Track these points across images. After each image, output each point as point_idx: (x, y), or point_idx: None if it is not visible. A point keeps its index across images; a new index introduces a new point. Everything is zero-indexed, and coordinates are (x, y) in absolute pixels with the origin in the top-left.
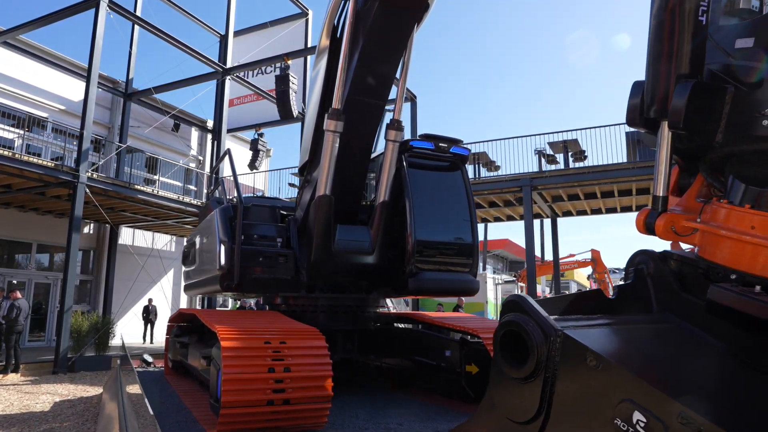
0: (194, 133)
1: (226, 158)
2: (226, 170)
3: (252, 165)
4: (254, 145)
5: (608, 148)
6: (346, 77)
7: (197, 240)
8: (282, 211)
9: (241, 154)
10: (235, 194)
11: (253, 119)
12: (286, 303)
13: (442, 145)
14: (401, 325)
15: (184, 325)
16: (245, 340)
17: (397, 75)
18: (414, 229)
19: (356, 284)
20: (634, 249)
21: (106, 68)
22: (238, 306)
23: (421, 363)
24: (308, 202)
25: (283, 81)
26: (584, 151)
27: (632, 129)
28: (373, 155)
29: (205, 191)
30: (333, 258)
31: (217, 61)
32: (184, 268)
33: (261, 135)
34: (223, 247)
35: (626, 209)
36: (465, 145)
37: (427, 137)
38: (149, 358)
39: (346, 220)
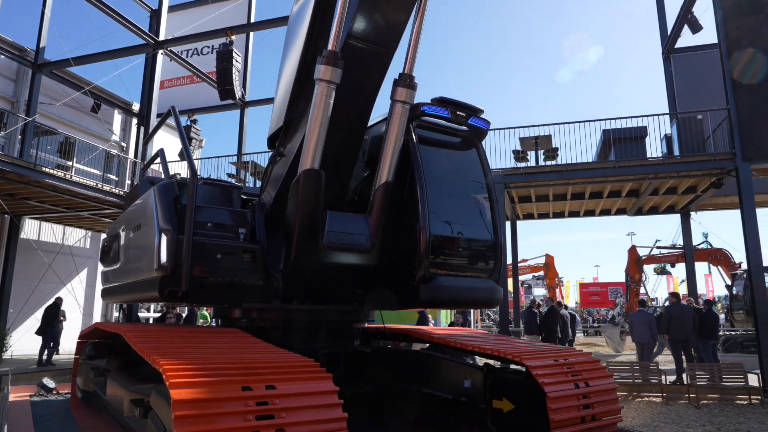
0: (117, 117)
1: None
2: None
3: (182, 155)
4: (186, 132)
5: (581, 146)
6: (346, 10)
7: (122, 231)
8: (242, 195)
9: (171, 143)
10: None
11: (185, 104)
12: (248, 317)
13: (460, 114)
14: (393, 345)
15: (100, 343)
16: (210, 386)
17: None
18: (429, 221)
19: (347, 292)
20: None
21: (12, 33)
22: (159, 316)
23: (431, 397)
24: (282, 181)
25: (225, 57)
26: (557, 149)
27: (609, 127)
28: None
29: (128, 182)
30: (321, 256)
31: (148, 32)
32: (102, 268)
33: (194, 122)
34: (164, 239)
35: (589, 213)
36: (485, 117)
37: (441, 102)
38: (50, 383)
39: (331, 209)
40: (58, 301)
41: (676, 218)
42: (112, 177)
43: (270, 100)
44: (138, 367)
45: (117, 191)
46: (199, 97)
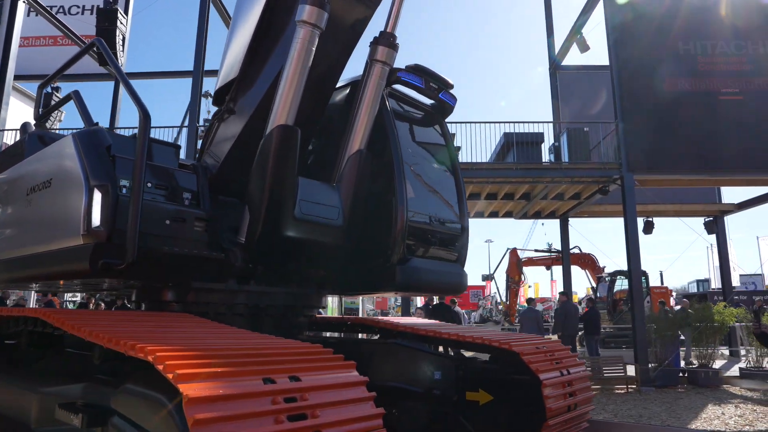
0: None
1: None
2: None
3: (40, 125)
4: (45, 101)
5: (479, 147)
6: None
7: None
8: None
9: (23, 112)
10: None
11: (46, 68)
12: (182, 299)
13: (432, 85)
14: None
15: None
16: (226, 378)
17: None
18: (406, 198)
19: (306, 273)
20: None
21: None
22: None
23: (399, 391)
24: (235, 142)
25: (108, 17)
26: (459, 147)
27: (511, 131)
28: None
29: None
30: (290, 229)
31: None
32: None
33: (56, 89)
34: (98, 196)
35: (478, 215)
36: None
37: (416, 69)
38: None
39: None
40: None
41: (527, 224)
42: None
43: (150, 74)
44: (33, 365)
45: None
46: (61, 63)
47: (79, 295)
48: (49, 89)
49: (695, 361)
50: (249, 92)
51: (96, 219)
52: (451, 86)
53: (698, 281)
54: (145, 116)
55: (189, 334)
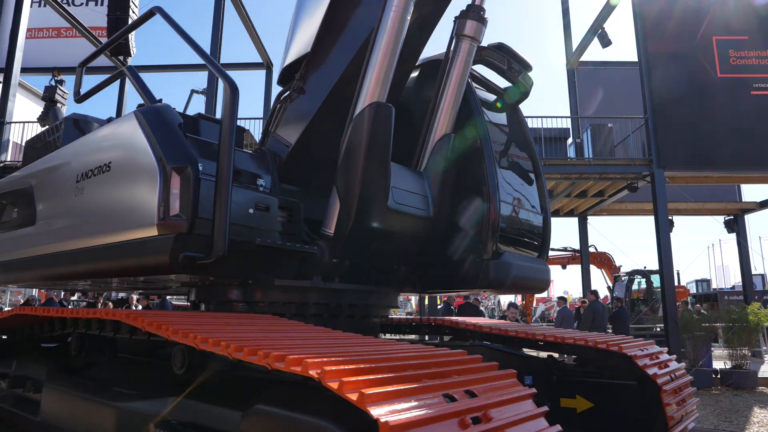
0: None
1: None
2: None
3: (45, 119)
4: (50, 94)
5: None
6: None
7: (38, 182)
8: None
9: (26, 107)
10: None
11: (50, 60)
12: (248, 299)
13: (515, 66)
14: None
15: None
16: (410, 397)
17: None
18: (498, 187)
19: (389, 269)
20: None
21: None
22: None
23: None
24: (310, 123)
25: (119, 4)
26: None
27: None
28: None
29: None
30: (383, 220)
31: None
32: None
33: (60, 83)
34: (177, 180)
35: None
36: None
37: (500, 48)
38: None
39: None
40: None
41: None
42: None
43: (161, 67)
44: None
45: None
46: (65, 55)
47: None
48: (51, 82)
49: (728, 363)
50: (323, 69)
51: (174, 206)
52: (531, 68)
53: (697, 281)
54: (232, 90)
55: (315, 341)
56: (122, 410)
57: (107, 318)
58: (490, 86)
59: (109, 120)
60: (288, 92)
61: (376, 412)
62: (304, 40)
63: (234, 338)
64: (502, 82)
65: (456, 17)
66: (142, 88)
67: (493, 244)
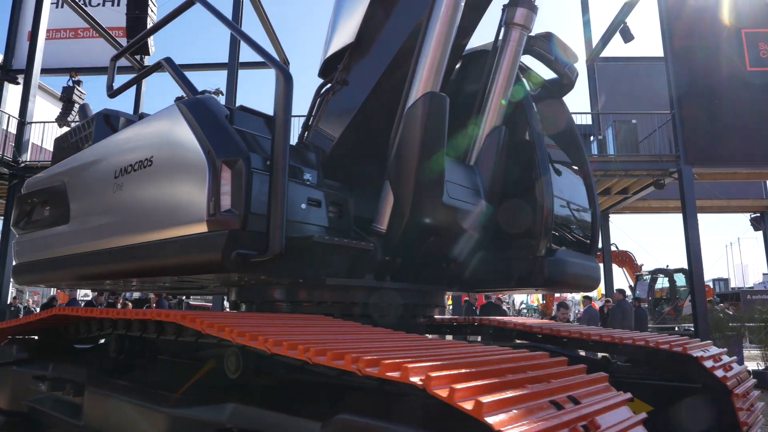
0: None
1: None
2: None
3: (63, 120)
4: (68, 95)
5: None
6: None
7: (74, 179)
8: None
9: (44, 108)
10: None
11: (67, 61)
12: (294, 298)
13: (559, 56)
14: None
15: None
16: (520, 406)
17: None
18: (550, 182)
19: (439, 267)
20: None
21: None
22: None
23: None
24: (355, 116)
25: (138, 3)
26: None
27: None
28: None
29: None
30: (438, 216)
31: None
32: (18, 237)
33: (78, 83)
34: (228, 174)
35: None
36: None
37: (548, 38)
38: None
39: None
40: None
41: None
42: None
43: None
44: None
45: None
46: (82, 55)
47: (90, 293)
48: (69, 82)
49: (761, 363)
50: (368, 58)
51: (226, 201)
52: (577, 59)
53: (714, 280)
54: (286, 79)
55: (391, 343)
56: (176, 416)
57: (160, 319)
58: (535, 77)
59: (142, 117)
60: (330, 84)
61: (493, 420)
62: (347, 29)
63: (307, 341)
64: (546, 73)
65: (504, 5)
66: (183, 80)
67: (547, 241)
